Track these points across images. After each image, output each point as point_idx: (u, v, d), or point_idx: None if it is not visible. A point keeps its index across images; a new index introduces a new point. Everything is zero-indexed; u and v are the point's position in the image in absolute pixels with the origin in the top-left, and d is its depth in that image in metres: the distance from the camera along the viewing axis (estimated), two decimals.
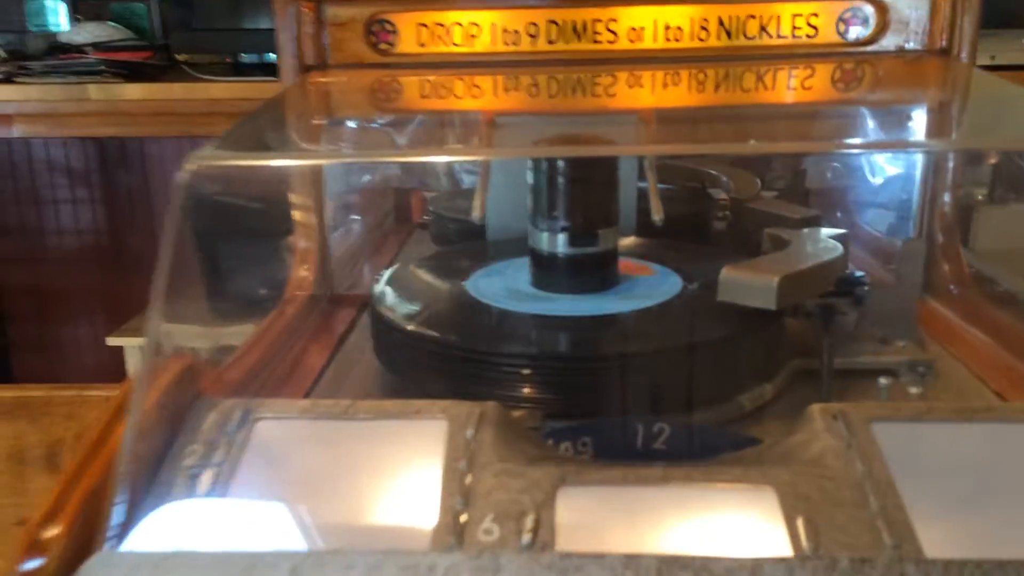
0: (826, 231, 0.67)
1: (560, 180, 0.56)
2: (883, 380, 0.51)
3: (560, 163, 0.56)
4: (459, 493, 0.40)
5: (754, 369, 0.54)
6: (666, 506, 0.39)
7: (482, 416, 0.44)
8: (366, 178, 1.11)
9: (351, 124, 0.71)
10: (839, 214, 0.98)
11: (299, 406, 0.46)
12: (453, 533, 0.38)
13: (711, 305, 0.54)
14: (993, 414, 0.43)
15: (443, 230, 0.89)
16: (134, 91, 1.59)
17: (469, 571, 0.34)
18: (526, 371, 0.50)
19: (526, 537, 0.37)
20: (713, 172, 0.95)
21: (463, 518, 0.38)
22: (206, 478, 0.41)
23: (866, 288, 0.67)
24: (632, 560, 0.34)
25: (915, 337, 0.59)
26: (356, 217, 1.09)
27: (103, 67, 1.60)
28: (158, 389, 0.43)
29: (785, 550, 0.36)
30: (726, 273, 0.53)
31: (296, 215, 0.76)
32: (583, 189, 0.57)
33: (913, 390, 0.55)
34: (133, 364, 1.65)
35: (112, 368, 1.73)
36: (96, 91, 1.59)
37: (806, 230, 0.68)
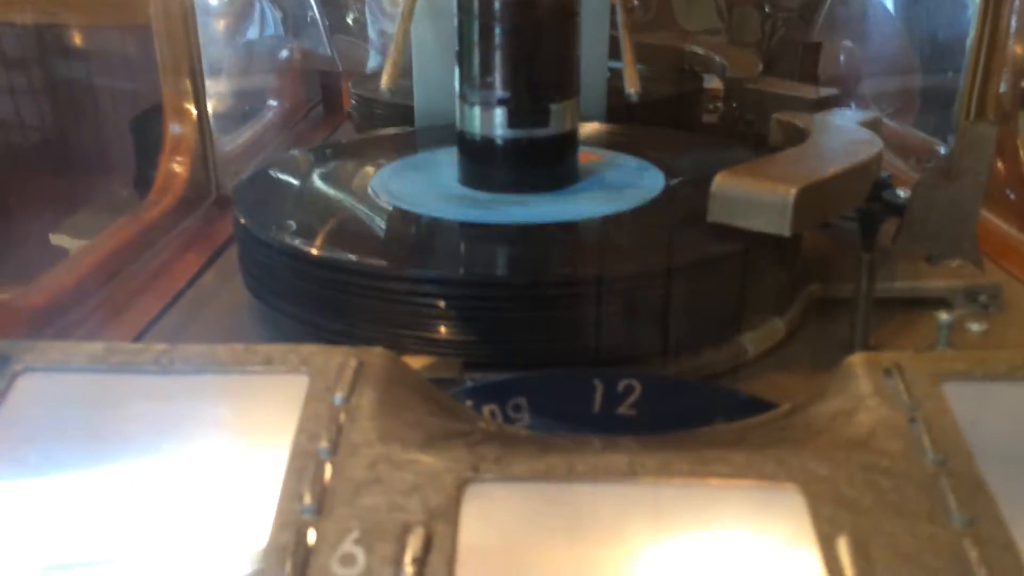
0: (854, 115, 0.53)
1: (496, 31, 0.41)
2: (944, 316, 0.38)
3: (497, 4, 0.41)
4: (310, 495, 0.26)
5: (760, 298, 0.40)
6: (632, 517, 0.26)
7: (362, 369, 0.31)
8: (283, 55, 0.95)
9: None
10: (854, 104, 0.84)
11: (88, 351, 0.32)
12: (291, 562, 0.25)
13: (703, 211, 0.40)
14: None
15: (368, 117, 0.74)
16: None
17: None
18: (440, 301, 0.36)
19: (407, 573, 0.24)
20: (703, 52, 0.80)
21: (311, 536, 0.25)
22: None
23: (902, 195, 0.53)
24: None
25: (974, 255, 0.45)
26: (272, 103, 0.93)
27: None
28: None
29: None
30: (720, 183, 0.39)
31: (165, 92, 0.60)
32: (529, 44, 0.42)
33: (975, 327, 0.42)
34: None
35: None
36: None
37: (827, 114, 0.54)
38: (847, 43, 0.93)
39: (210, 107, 0.64)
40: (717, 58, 0.77)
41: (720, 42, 0.83)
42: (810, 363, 0.40)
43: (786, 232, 0.36)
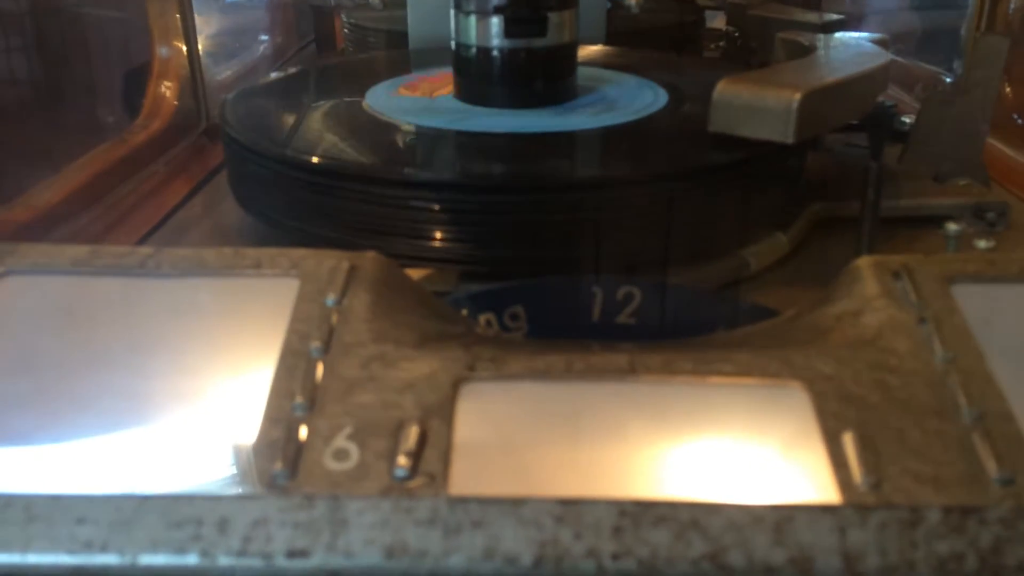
0: (862, 35, 0.52)
1: None
2: (952, 226, 0.37)
3: None
4: (301, 392, 0.26)
5: (763, 211, 0.40)
6: (632, 414, 0.25)
7: (354, 272, 0.30)
8: None
9: None
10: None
11: (72, 254, 0.31)
12: (282, 457, 0.24)
13: (705, 125, 0.39)
14: None
15: (362, 46, 0.72)
16: None
17: (289, 528, 0.21)
18: (435, 207, 0.35)
19: (401, 465, 0.23)
20: None
21: (302, 432, 0.24)
22: None
23: (907, 121, 0.52)
24: (571, 510, 0.21)
25: (981, 173, 0.44)
26: (263, 37, 0.91)
27: None
28: None
29: (826, 490, 0.23)
30: (722, 90, 0.38)
31: (151, 14, 0.58)
32: None
33: (982, 244, 0.41)
34: None
35: None
36: None
37: (834, 34, 0.52)
38: None
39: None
40: None
41: None
42: (814, 279, 0.40)
43: (790, 139, 0.35)
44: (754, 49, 0.67)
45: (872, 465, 0.23)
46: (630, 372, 0.26)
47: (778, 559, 0.20)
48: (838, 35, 0.52)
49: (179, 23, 0.58)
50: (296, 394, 0.25)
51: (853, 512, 0.21)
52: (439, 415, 0.25)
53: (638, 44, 0.63)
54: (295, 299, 0.29)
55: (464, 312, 0.33)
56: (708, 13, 0.80)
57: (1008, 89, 0.57)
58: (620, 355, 0.27)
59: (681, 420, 0.25)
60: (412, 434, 0.24)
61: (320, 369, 0.26)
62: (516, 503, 0.21)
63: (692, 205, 0.37)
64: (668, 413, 0.25)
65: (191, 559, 0.20)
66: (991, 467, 0.23)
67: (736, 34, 0.69)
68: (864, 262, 0.30)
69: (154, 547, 0.20)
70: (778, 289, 0.39)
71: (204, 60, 0.63)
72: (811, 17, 0.62)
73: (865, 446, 0.24)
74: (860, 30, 0.86)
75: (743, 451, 0.24)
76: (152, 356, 0.27)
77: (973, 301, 0.28)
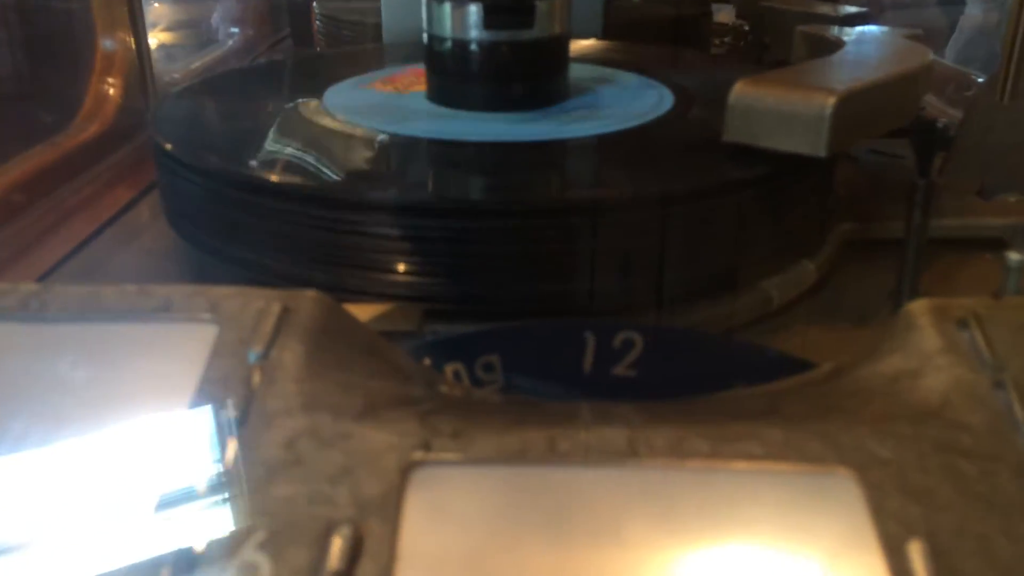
0: (891, 30, 0.46)
1: None
2: (1015, 256, 0.31)
3: None
4: (206, 480, 0.20)
5: (787, 235, 0.34)
6: (632, 514, 0.20)
7: (287, 316, 0.25)
8: None
9: None
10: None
11: None
12: (171, 574, 0.19)
13: (718, 131, 0.34)
14: None
15: (335, 39, 0.67)
16: None
17: None
18: (395, 232, 0.30)
19: None
20: None
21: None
22: None
23: (942, 125, 0.47)
24: None
25: None
26: (233, 30, 0.86)
27: None
28: None
29: None
30: (740, 92, 0.32)
31: (95, 2, 0.53)
32: None
33: None
34: None
35: None
36: None
37: (861, 28, 0.47)
38: None
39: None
40: None
41: None
42: (848, 315, 0.34)
43: (821, 152, 0.30)
44: (767, 45, 0.61)
45: None
46: (630, 455, 0.21)
47: None
48: (867, 29, 0.47)
49: (126, 11, 0.53)
50: (200, 483, 0.20)
51: None
52: (381, 513, 0.20)
53: (640, 38, 0.58)
54: (210, 351, 0.23)
55: (427, 361, 0.28)
56: (714, 6, 0.75)
57: None
58: (617, 431, 0.21)
59: (694, 522, 0.20)
60: (344, 541, 0.19)
61: (233, 448, 0.21)
62: None
63: (704, 230, 0.31)
64: (678, 512, 0.20)
65: None
66: None
67: (746, 28, 0.64)
68: (920, 307, 0.25)
69: None
70: (808, 328, 0.33)
71: (156, 55, 0.57)
72: (828, 9, 0.57)
73: (939, 561, 0.18)
74: (880, 25, 0.81)
75: (776, 565, 0.19)
76: (27, 424, 0.22)
77: None
